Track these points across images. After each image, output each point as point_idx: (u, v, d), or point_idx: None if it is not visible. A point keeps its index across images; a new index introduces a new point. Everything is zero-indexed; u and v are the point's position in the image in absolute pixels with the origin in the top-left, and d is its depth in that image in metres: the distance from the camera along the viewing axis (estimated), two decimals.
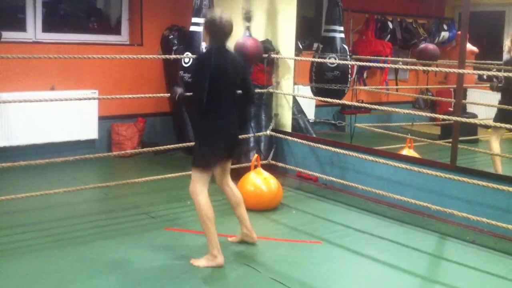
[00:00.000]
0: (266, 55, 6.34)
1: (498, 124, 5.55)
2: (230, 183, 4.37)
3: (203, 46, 5.99)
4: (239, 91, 4.21)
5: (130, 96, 5.82)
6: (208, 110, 3.96)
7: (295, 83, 6.66)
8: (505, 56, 6.51)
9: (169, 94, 6.57)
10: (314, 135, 6.89)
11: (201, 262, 4.01)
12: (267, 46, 6.46)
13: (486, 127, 6.76)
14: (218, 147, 4.06)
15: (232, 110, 4.09)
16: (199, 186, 4.02)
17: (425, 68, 5.52)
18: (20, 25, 6.79)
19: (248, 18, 6.29)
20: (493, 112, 6.59)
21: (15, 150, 6.46)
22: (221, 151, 4.11)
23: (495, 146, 6.18)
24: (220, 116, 4.01)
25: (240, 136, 4.35)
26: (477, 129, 8.14)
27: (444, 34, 10.12)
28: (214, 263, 3.99)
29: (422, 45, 7.80)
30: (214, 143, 4.04)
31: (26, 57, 5.12)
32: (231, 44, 4.57)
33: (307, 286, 3.80)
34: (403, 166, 5.12)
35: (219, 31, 3.97)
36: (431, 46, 7.61)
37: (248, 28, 6.29)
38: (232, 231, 4.59)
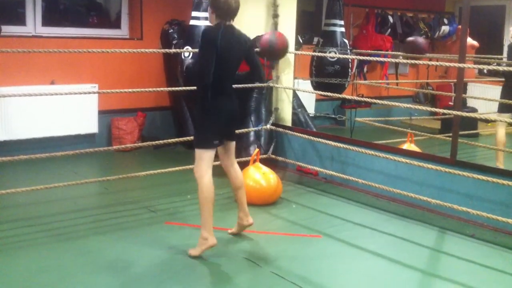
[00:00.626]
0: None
1: (499, 119, 5.55)
2: (235, 165, 4.38)
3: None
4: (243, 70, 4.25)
5: (130, 90, 5.83)
6: (210, 88, 3.96)
7: (295, 77, 6.66)
8: (509, 41, 6.53)
9: (169, 88, 6.60)
10: (314, 129, 6.88)
11: (196, 250, 4.05)
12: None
13: (486, 121, 6.76)
14: (219, 123, 4.05)
15: (231, 88, 4.14)
16: (203, 167, 4.02)
17: (426, 62, 5.52)
18: (20, 19, 6.77)
19: (275, 15, 6.35)
20: (493, 106, 6.59)
21: (15, 144, 6.46)
22: (222, 128, 4.10)
23: (501, 132, 6.19)
24: (221, 93, 4.02)
25: (239, 131, 4.35)
26: (477, 124, 8.14)
27: (445, 28, 10.11)
28: (206, 245, 4.01)
29: (411, 38, 7.77)
30: (214, 120, 4.03)
31: (26, 51, 5.11)
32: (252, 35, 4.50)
33: (307, 280, 3.80)
34: (403, 160, 5.12)
35: (224, 8, 3.95)
36: (420, 39, 7.58)
37: (275, 24, 6.31)
38: (229, 225, 4.59)
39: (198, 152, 4.05)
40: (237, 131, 4.54)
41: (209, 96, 3.99)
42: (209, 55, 3.90)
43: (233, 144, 4.34)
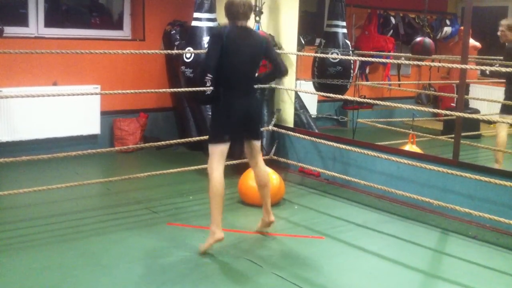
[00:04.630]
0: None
1: (501, 120, 5.53)
2: (260, 164, 4.47)
3: (205, 40, 5.98)
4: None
5: (132, 91, 5.83)
6: (220, 86, 4.13)
7: (297, 79, 6.65)
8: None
9: (171, 89, 6.59)
10: (316, 131, 6.88)
11: (204, 245, 4.14)
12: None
13: (489, 122, 6.75)
14: (229, 121, 4.16)
15: (247, 87, 4.23)
16: (214, 162, 4.15)
17: (428, 63, 5.52)
18: (22, 20, 6.78)
19: (258, 13, 6.35)
20: (495, 107, 6.57)
21: (17, 145, 6.46)
22: (233, 125, 4.19)
23: (503, 133, 6.16)
24: (233, 92, 4.14)
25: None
26: (479, 125, 8.13)
27: (447, 29, 10.09)
28: (213, 239, 4.11)
29: (418, 39, 7.75)
30: (224, 119, 4.16)
31: (28, 52, 5.12)
32: None
33: (309, 281, 3.80)
34: (405, 161, 5.11)
35: (232, 11, 4.13)
36: (427, 40, 7.57)
37: (257, 22, 6.33)
38: (232, 226, 4.59)
39: (210, 148, 4.20)
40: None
41: (221, 95, 4.14)
42: (213, 50, 4.07)
43: (256, 143, 4.42)
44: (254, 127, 4.39)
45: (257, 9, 6.33)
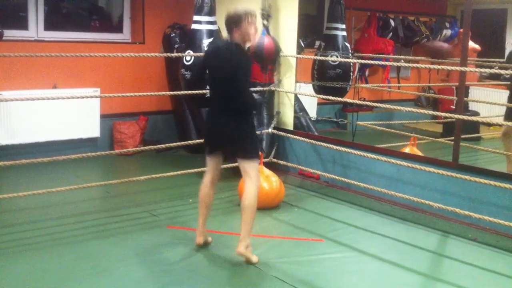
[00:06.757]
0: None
1: (504, 123, 5.52)
2: (246, 185, 4.01)
3: (205, 44, 6.00)
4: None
5: (132, 94, 5.82)
6: (207, 102, 4.34)
7: (297, 81, 6.66)
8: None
9: (171, 92, 6.58)
10: (316, 133, 6.88)
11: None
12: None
13: (488, 124, 6.75)
14: (206, 137, 4.25)
15: (225, 106, 3.94)
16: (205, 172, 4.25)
17: (427, 66, 5.52)
18: (22, 24, 6.79)
19: (265, 16, 6.35)
20: (495, 109, 6.57)
21: (17, 148, 6.47)
22: (210, 142, 4.17)
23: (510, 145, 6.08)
24: (212, 110, 4.17)
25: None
26: (479, 127, 8.13)
27: (446, 32, 10.11)
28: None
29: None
30: (204, 133, 4.34)
31: (28, 55, 5.12)
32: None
33: (309, 284, 3.80)
34: (405, 164, 5.11)
35: (225, 23, 3.95)
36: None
37: (265, 26, 6.33)
38: (231, 229, 4.59)
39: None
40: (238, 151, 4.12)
41: (207, 111, 4.31)
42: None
43: (240, 162, 4.03)
44: (232, 147, 4.05)
45: (265, 12, 6.33)
